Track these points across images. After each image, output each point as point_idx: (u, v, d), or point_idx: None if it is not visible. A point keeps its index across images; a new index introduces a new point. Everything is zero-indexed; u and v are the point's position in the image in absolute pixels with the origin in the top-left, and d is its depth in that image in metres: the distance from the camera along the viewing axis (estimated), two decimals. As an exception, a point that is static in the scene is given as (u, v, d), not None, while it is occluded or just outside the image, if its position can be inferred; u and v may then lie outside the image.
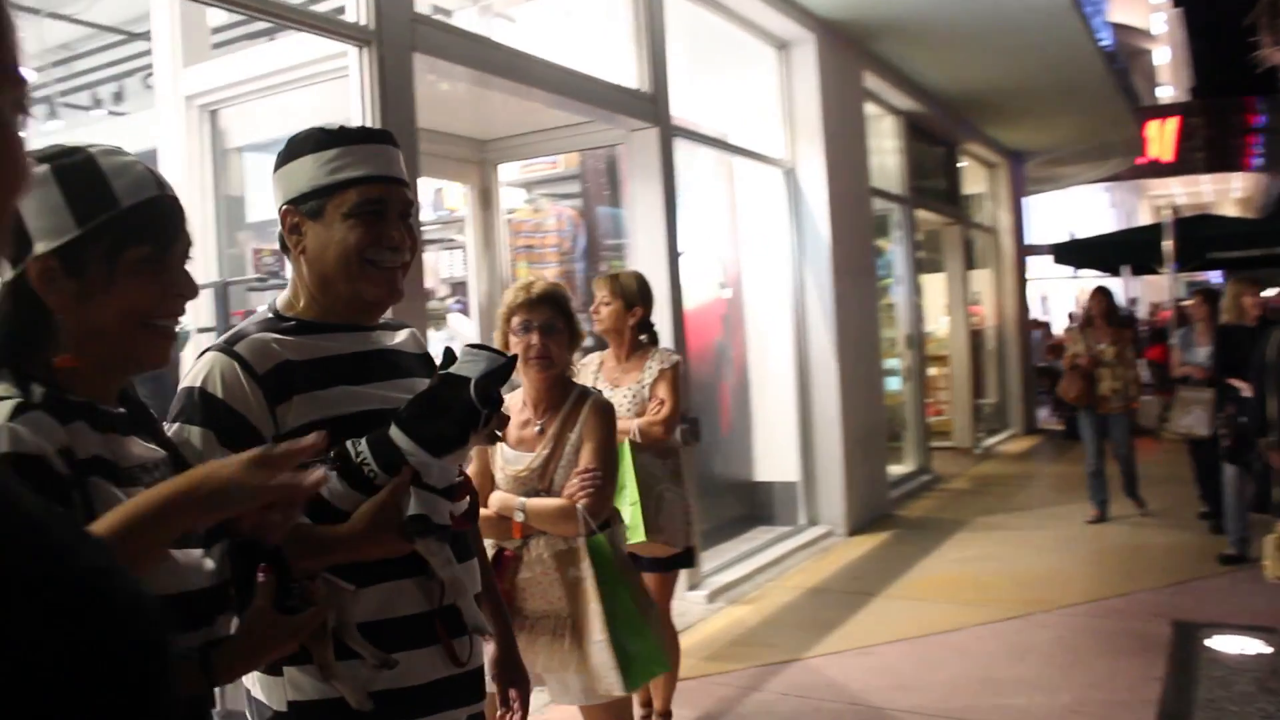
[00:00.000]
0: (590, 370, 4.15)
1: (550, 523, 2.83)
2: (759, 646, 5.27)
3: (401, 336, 1.91)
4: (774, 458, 7.87)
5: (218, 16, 4.99)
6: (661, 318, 5.99)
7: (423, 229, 8.31)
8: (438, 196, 7.73)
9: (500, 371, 1.64)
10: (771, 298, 7.80)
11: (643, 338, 4.11)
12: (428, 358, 1.96)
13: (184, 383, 1.70)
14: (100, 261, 1.32)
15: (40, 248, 1.30)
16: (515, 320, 2.90)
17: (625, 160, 6.32)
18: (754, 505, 7.88)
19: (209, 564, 1.38)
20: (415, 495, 1.62)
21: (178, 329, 1.43)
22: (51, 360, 1.31)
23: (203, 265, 4.51)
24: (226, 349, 1.70)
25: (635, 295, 4.07)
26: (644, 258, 6.09)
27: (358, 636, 1.67)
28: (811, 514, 7.78)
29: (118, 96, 8.60)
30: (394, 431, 1.62)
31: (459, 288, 7.36)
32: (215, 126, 4.76)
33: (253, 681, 1.76)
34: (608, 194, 7.27)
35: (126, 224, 1.32)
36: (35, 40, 8.06)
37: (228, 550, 1.43)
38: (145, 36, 5.24)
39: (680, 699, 4.49)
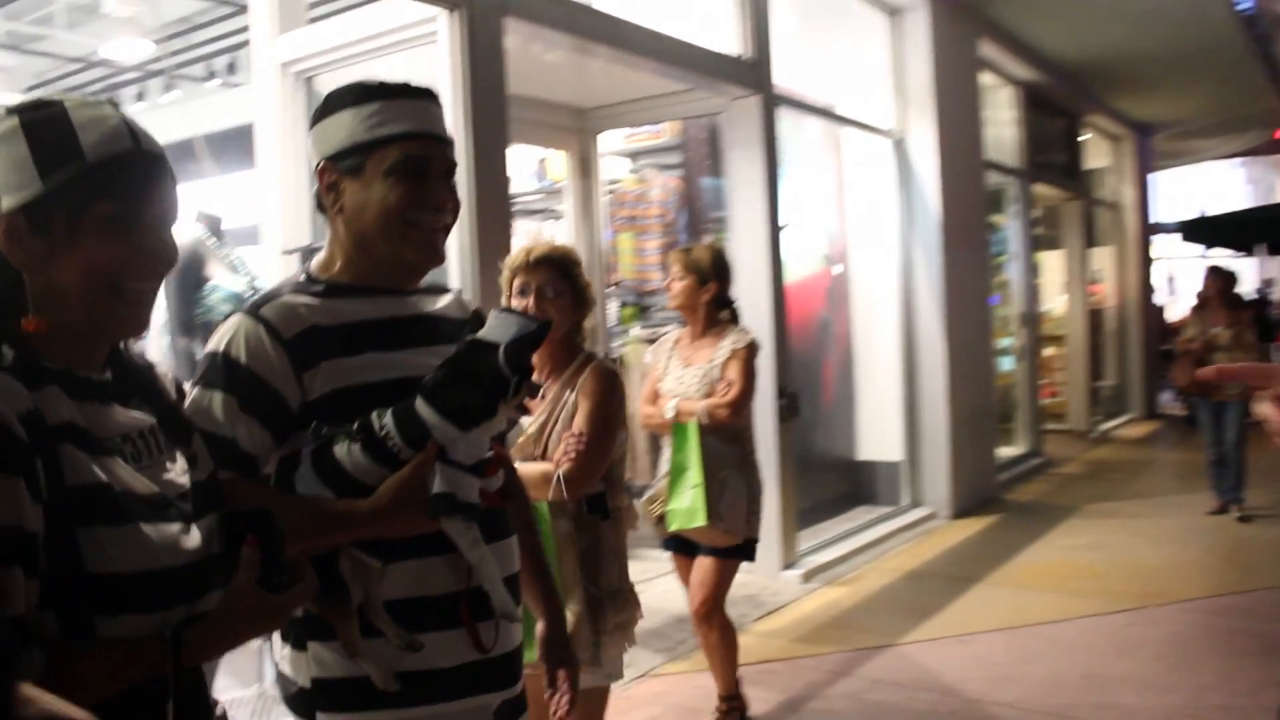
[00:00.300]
0: (665, 347, 4.02)
1: (532, 487, 2.62)
2: (852, 630, 5.12)
3: (445, 301, 1.84)
4: (877, 436, 7.66)
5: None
6: (760, 292, 5.87)
7: (525, 199, 8.35)
8: (541, 167, 7.71)
9: (530, 337, 1.55)
10: (878, 272, 7.58)
11: (722, 314, 3.93)
12: (469, 321, 1.88)
13: (208, 346, 1.65)
14: (64, 219, 1.24)
15: (6, 204, 1.24)
16: (515, 283, 2.81)
17: (726, 130, 6.17)
18: (855, 484, 7.69)
19: (192, 539, 1.31)
20: (440, 472, 1.53)
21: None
22: (20, 323, 1.25)
23: (296, 232, 4.53)
24: (252, 312, 1.64)
25: (708, 270, 3.88)
26: (743, 231, 5.96)
27: (384, 615, 1.61)
28: (914, 495, 7.57)
29: (231, 68, 8.78)
30: (419, 403, 1.54)
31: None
32: (310, 94, 4.75)
33: (280, 655, 1.71)
34: (710, 164, 7.13)
35: (93, 179, 1.24)
36: (153, 14, 8.25)
37: (218, 523, 1.36)
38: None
39: (766, 681, 4.39)
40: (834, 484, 7.54)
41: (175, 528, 1.28)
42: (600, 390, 2.74)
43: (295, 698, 1.70)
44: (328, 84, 4.97)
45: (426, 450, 1.53)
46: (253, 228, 4.75)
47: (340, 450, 1.57)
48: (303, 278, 1.73)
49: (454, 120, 4.14)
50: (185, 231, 4.36)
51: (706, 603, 3.84)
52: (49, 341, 1.27)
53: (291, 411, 1.60)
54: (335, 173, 1.68)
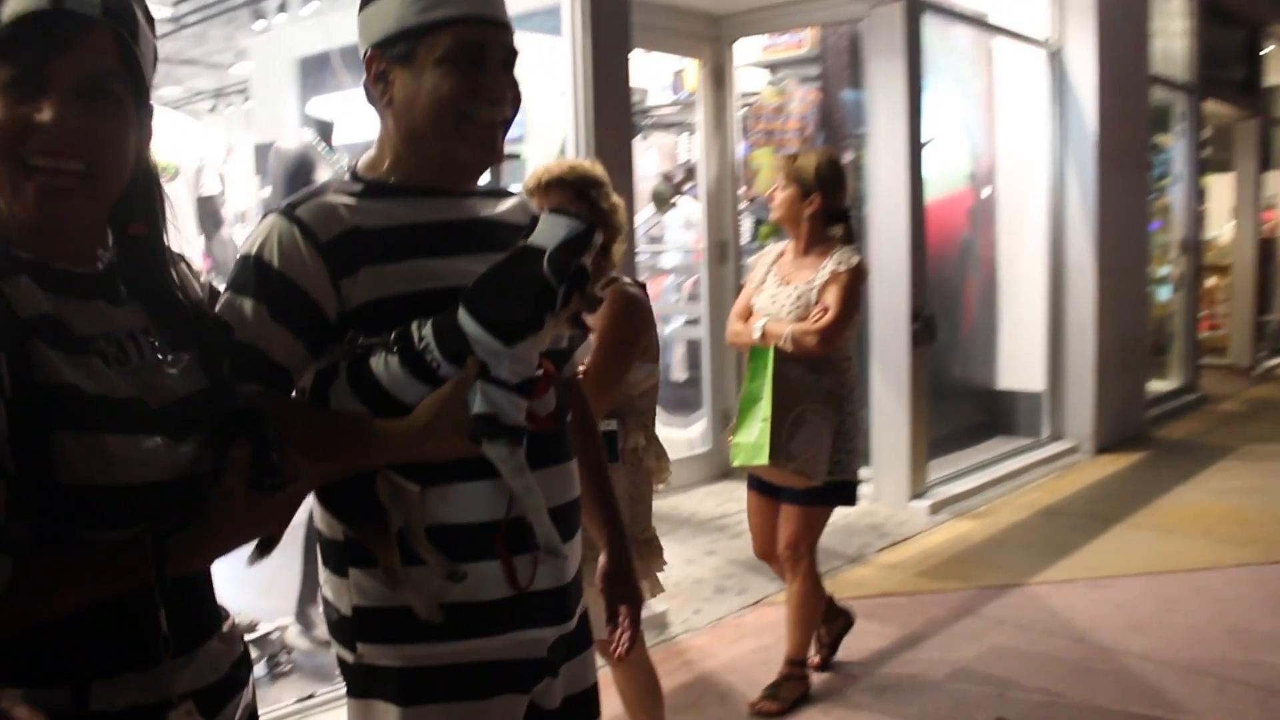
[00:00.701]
0: (766, 260, 3.68)
1: None
2: (980, 566, 4.92)
3: (507, 204, 1.70)
4: (1018, 364, 7.31)
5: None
6: (897, 211, 5.59)
7: (661, 111, 8.15)
8: (677, 78, 7.50)
9: (577, 240, 1.39)
10: (1027, 193, 7.14)
11: (833, 231, 3.53)
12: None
13: (241, 248, 1.54)
14: None
15: None
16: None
17: (867, 38, 5.85)
18: (992, 414, 7.36)
19: (179, 452, 1.21)
20: (482, 390, 1.40)
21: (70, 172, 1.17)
22: None
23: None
24: (288, 212, 1.51)
25: (812, 181, 3.49)
26: (883, 146, 5.68)
27: (424, 542, 1.51)
28: (1055, 427, 7.22)
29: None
30: (460, 313, 1.41)
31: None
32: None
33: (323, 579, 1.63)
34: (851, 76, 6.80)
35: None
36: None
37: (213, 425, 1.26)
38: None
39: (885, 615, 4.24)
40: (970, 413, 7.23)
41: (153, 441, 1.19)
42: (611, 316, 2.57)
43: (337, 625, 1.62)
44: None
45: (466, 366, 1.40)
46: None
47: (377, 364, 1.45)
48: (347, 176, 1.62)
49: (571, 24, 3.99)
50: (295, 137, 4.32)
51: (787, 549, 3.54)
52: (24, 231, 1.18)
53: (328, 321, 1.49)
54: (384, 61, 1.55)
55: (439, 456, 1.45)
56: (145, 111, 1.25)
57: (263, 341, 1.46)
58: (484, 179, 1.73)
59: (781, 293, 3.50)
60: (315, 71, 6.55)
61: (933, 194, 6.05)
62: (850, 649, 3.88)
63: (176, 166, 3.85)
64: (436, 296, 1.47)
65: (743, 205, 6.74)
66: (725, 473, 6.29)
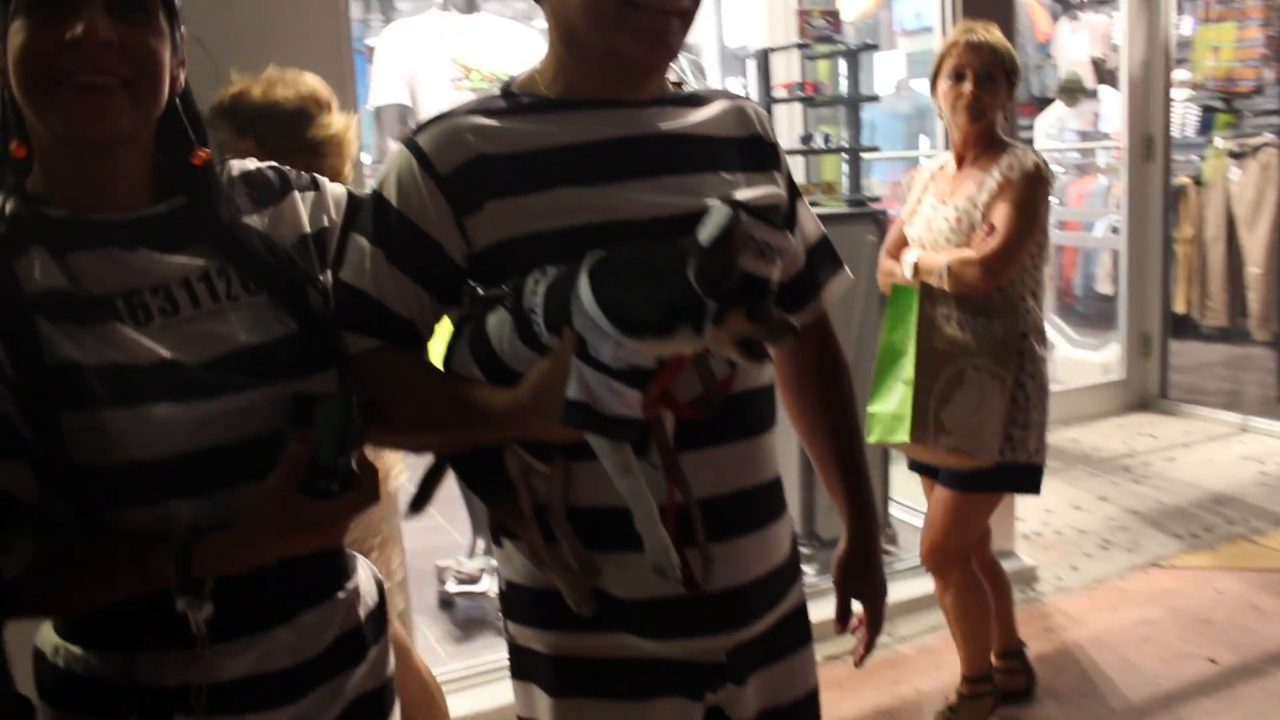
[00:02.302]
0: (921, 180, 2.86)
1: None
2: None
3: (707, 112, 1.34)
4: None
5: None
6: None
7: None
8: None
9: (724, 239, 1.02)
10: None
11: (999, 131, 2.70)
12: (760, 143, 1.37)
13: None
14: (1, 13, 1.07)
15: None
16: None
17: None
18: None
19: (211, 415, 1.10)
20: (577, 372, 1.09)
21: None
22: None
23: (767, 32, 4.10)
24: (409, 140, 1.27)
25: (1017, 67, 2.68)
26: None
27: (564, 525, 1.25)
28: None
29: None
30: (582, 276, 1.10)
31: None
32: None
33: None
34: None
35: None
36: None
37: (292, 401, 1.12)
38: None
39: None
40: None
41: (164, 409, 1.07)
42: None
43: (500, 596, 1.42)
44: None
45: (563, 342, 1.10)
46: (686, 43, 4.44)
47: (492, 322, 1.19)
48: (497, 90, 1.34)
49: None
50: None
51: (935, 552, 2.72)
52: (51, 176, 1.13)
53: (455, 265, 1.24)
54: None
55: (544, 437, 1.18)
56: (176, 27, 1.16)
57: (378, 289, 1.25)
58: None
59: (938, 214, 2.71)
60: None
61: None
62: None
63: (510, 76, 3.76)
64: (588, 234, 1.18)
65: (1182, 93, 5.76)
66: (1140, 403, 5.49)
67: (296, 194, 1.29)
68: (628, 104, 1.29)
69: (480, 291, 1.21)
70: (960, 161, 2.71)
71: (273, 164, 1.30)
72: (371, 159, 3.94)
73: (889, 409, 2.58)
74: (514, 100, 1.29)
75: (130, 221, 1.15)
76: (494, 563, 3.63)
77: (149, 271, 1.14)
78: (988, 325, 2.56)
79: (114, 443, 1.05)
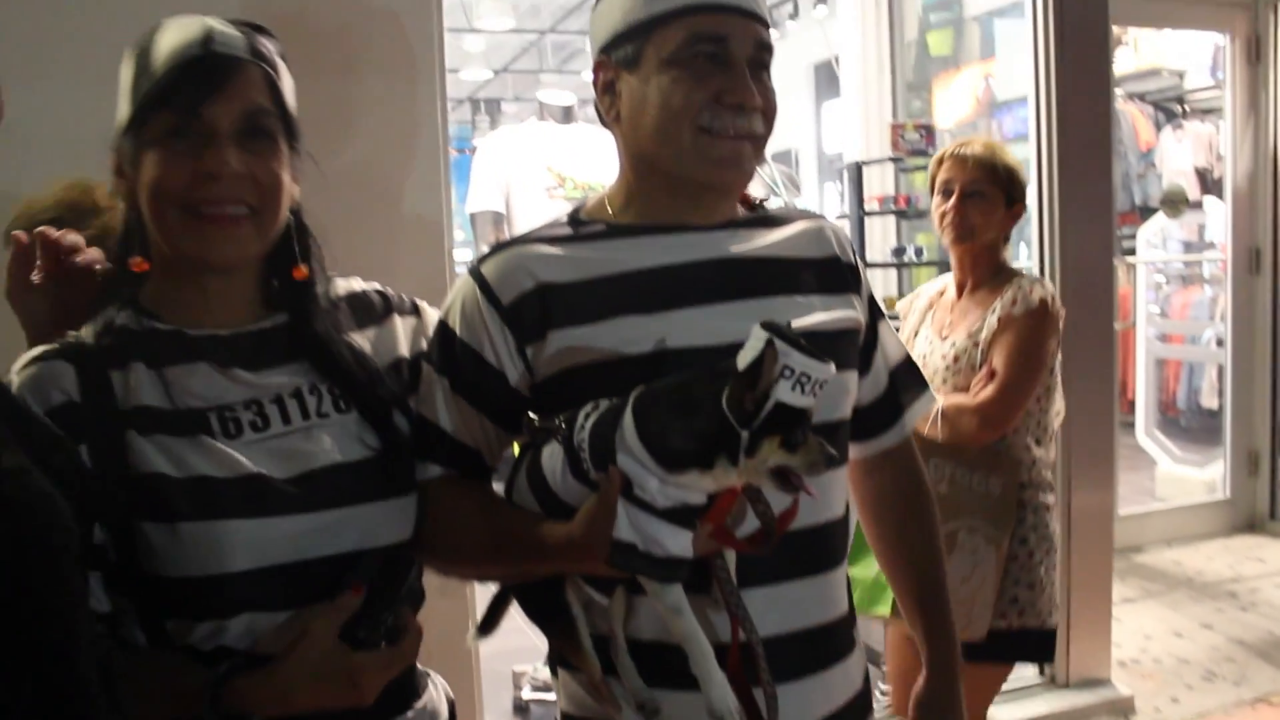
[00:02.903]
0: (919, 308, 2.64)
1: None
2: None
3: (781, 234, 1.33)
4: None
5: None
6: None
7: (1197, 94, 7.08)
8: (1218, 57, 6.47)
9: (755, 367, 1.00)
10: None
11: (1004, 257, 2.50)
12: (838, 264, 1.36)
13: None
14: (133, 138, 1.13)
15: (115, 137, 1.16)
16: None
17: None
18: None
19: (286, 533, 1.11)
20: (624, 509, 1.06)
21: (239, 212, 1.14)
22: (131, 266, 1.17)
23: (862, 144, 4.14)
24: (474, 269, 1.28)
25: (1020, 183, 2.46)
26: None
27: (624, 658, 1.22)
28: None
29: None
30: (627, 413, 1.08)
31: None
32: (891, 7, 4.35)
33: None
34: None
35: (156, 92, 1.10)
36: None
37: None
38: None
39: None
40: None
41: (247, 524, 1.09)
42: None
43: None
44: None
45: (609, 478, 1.07)
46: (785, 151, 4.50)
47: (546, 454, 1.18)
48: (565, 216, 1.35)
49: (1035, 1, 3.43)
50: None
51: None
52: (161, 291, 1.18)
53: (520, 395, 1.25)
54: (611, 68, 1.28)
55: (596, 574, 1.16)
56: (295, 149, 1.22)
57: (444, 418, 1.26)
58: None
59: (935, 350, 2.48)
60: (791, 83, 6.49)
61: None
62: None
63: (604, 186, 3.84)
64: (649, 363, 1.18)
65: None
66: (1248, 524, 5.26)
67: (397, 317, 1.33)
68: (698, 228, 1.28)
69: (536, 422, 1.20)
70: (961, 289, 2.51)
71: (377, 286, 1.34)
72: (468, 265, 4.07)
73: (869, 574, 2.23)
74: (581, 227, 1.30)
75: (232, 337, 1.19)
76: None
77: (243, 387, 1.17)
78: (985, 481, 2.32)
79: (190, 555, 1.07)
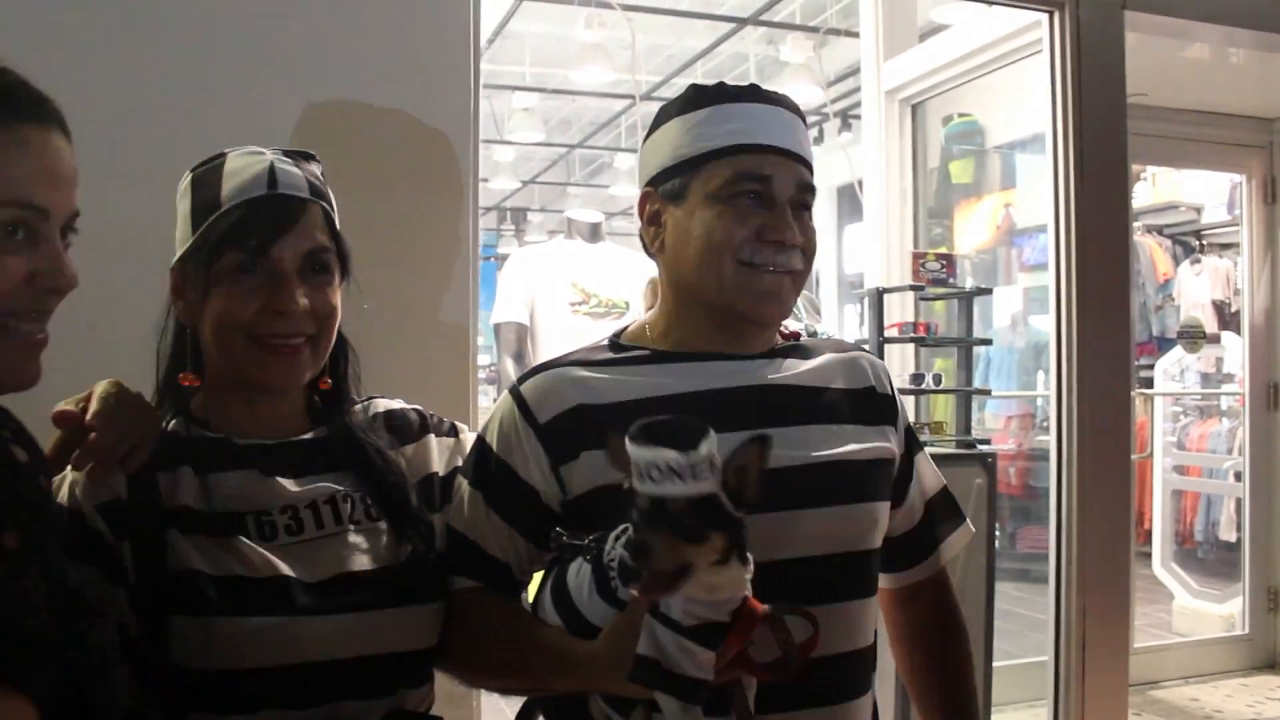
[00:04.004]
0: None
1: None
2: None
3: (820, 363, 1.38)
4: None
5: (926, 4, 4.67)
6: None
7: (1214, 231, 7.18)
8: (1234, 193, 6.57)
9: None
10: None
11: None
12: (873, 395, 1.40)
13: None
14: (202, 269, 1.21)
15: (175, 259, 1.26)
16: None
17: None
18: None
19: (316, 633, 1.15)
20: (648, 627, 1.09)
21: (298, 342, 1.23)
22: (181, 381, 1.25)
23: (883, 270, 4.21)
24: (514, 388, 1.34)
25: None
26: None
27: None
28: None
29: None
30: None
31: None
32: (915, 122, 4.46)
33: None
34: None
35: (224, 227, 1.20)
36: (833, 60, 8.45)
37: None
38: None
39: None
40: None
41: (276, 622, 1.13)
42: None
43: None
44: (933, 111, 4.65)
45: (637, 596, 1.10)
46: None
47: (572, 571, 1.21)
48: (605, 341, 1.40)
49: (1056, 137, 3.53)
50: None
51: None
52: (213, 402, 1.25)
53: (552, 511, 1.29)
54: (656, 200, 1.34)
55: (617, 693, 1.18)
56: (346, 277, 1.30)
57: (476, 532, 1.31)
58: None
59: None
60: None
61: None
62: None
63: (626, 302, 3.93)
64: None
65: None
66: (1267, 663, 5.17)
67: (433, 437, 1.39)
68: (736, 357, 1.33)
69: (565, 538, 1.23)
70: None
71: (417, 407, 1.41)
72: (485, 372, 4.14)
73: None
74: (621, 351, 1.35)
75: (276, 446, 1.25)
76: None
77: (281, 494, 1.22)
78: None
79: (219, 649, 1.11)
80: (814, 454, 1.26)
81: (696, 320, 1.33)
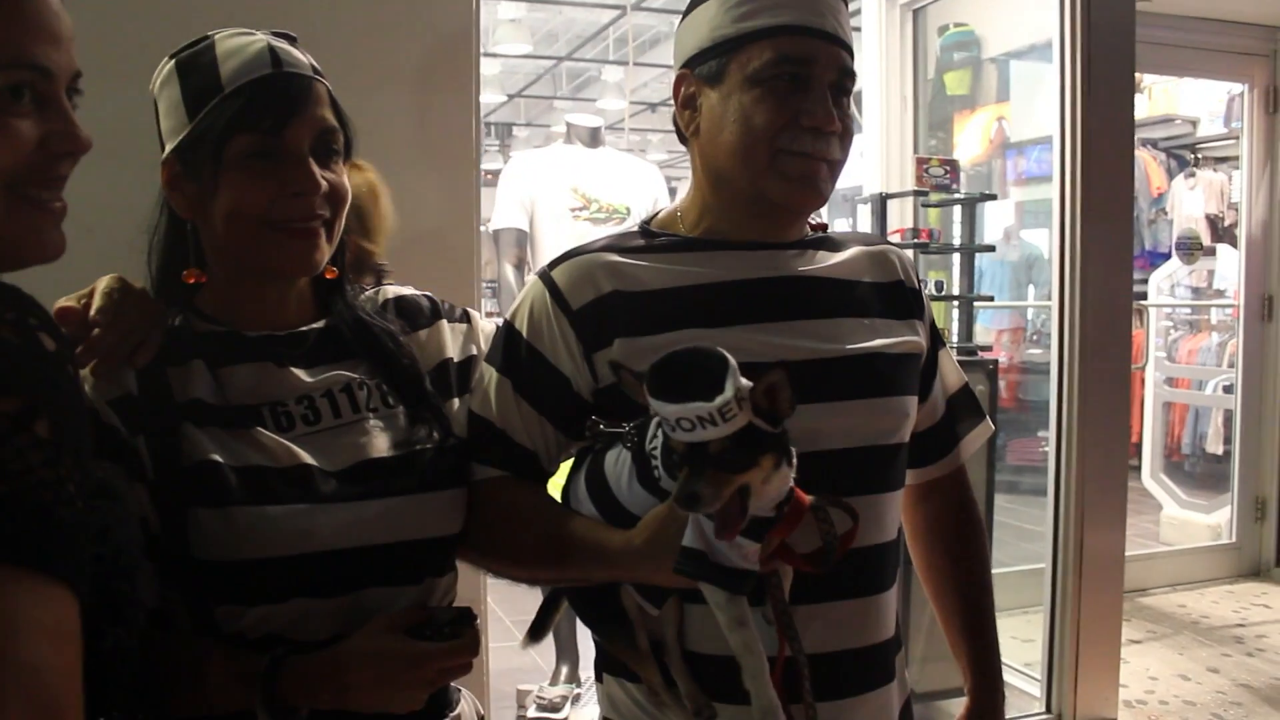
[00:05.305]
0: None
1: None
2: None
3: (849, 255, 1.35)
4: None
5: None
6: None
7: (1210, 144, 7.13)
8: (1232, 106, 6.51)
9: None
10: None
11: None
12: (901, 289, 1.38)
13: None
14: (209, 157, 1.14)
15: (166, 150, 1.18)
16: None
17: None
18: None
19: (339, 519, 1.13)
20: (693, 522, 1.08)
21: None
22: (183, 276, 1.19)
23: (883, 177, 4.16)
24: (544, 273, 1.30)
25: None
26: None
27: (680, 666, 1.23)
28: None
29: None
30: None
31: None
32: (917, 30, 4.39)
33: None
34: None
35: (231, 111, 1.13)
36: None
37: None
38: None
39: None
40: None
41: (299, 510, 1.11)
42: None
43: None
44: (933, 18, 4.56)
45: (713, 540, 1.08)
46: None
47: (610, 459, 1.20)
48: (636, 228, 1.37)
49: (1063, 43, 3.46)
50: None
51: None
52: (219, 295, 1.21)
53: (582, 399, 1.26)
54: (693, 82, 1.30)
55: (657, 583, 1.18)
56: (350, 158, 1.25)
57: (504, 419, 1.28)
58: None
59: None
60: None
61: None
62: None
63: (627, 207, 3.87)
64: None
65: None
66: (1253, 570, 5.26)
67: (445, 323, 1.35)
68: (768, 246, 1.30)
69: (603, 426, 1.22)
70: None
71: (427, 293, 1.38)
72: (486, 280, 4.08)
73: None
74: (652, 238, 1.32)
75: (288, 337, 1.22)
76: (577, 690, 3.59)
77: (296, 384, 1.20)
78: None
79: (243, 538, 1.09)
80: (847, 347, 1.24)
81: (729, 207, 1.30)
